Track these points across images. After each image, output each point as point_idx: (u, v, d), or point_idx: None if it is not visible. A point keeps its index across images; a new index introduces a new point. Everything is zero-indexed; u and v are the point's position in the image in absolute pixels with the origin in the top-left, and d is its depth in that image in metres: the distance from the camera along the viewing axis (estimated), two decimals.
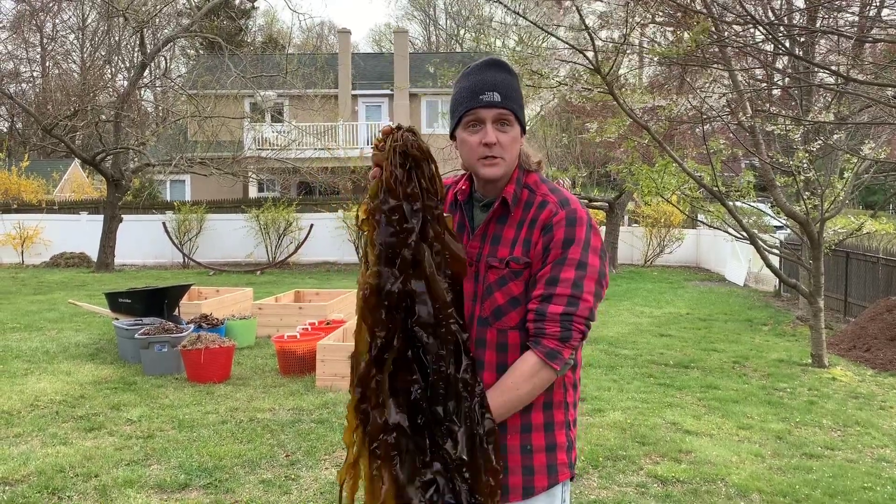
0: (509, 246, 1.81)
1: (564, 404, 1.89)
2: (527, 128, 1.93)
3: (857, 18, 8.44)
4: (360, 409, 1.56)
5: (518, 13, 6.50)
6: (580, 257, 1.76)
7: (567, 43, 6.75)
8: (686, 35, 6.27)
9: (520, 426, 1.83)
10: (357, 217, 1.67)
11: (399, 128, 1.60)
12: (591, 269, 1.77)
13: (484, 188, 1.89)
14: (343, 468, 1.59)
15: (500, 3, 6.79)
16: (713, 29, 6.38)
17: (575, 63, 7.23)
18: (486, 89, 1.78)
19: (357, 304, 1.60)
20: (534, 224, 1.80)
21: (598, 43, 6.61)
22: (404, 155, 1.57)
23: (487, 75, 1.81)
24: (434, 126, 27.31)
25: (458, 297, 1.69)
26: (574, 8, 6.79)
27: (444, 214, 1.65)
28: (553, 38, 7.34)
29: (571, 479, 1.92)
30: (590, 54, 6.33)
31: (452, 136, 1.88)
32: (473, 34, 43.12)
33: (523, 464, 1.83)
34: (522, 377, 1.73)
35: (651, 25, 8.33)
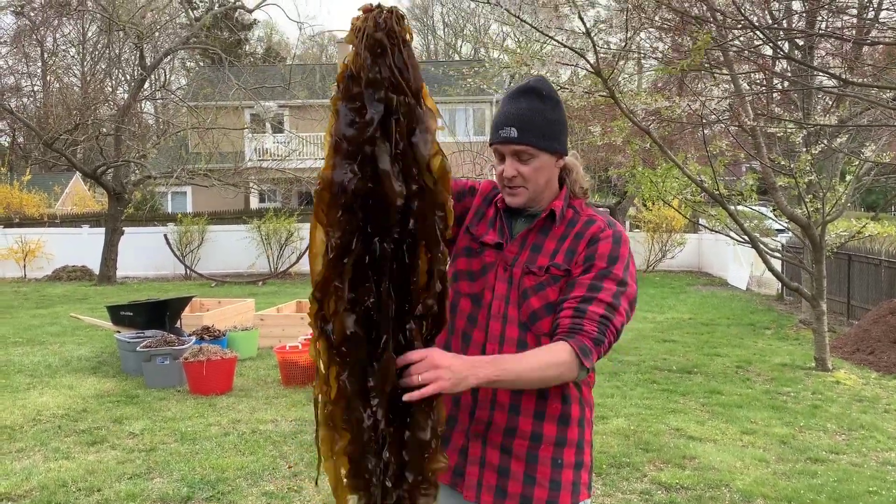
0: (549, 256, 1.86)
1: (590, 424, 1.95)
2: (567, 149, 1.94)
3: (855, 21, 8.45)
4: (319, 317, 1.46)
5: (518, 17, 6.50)
6: (623, 276, 1.81)
7: (566, 46, 6.75)
8: (689, 43, 6.27)
9: (555, 439, 1.84)
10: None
11: (379, 6, 1.42)
12: (630, 290, 1.83)
13: None
14: (317, 384, 1.51)
15: (500, 5, 6.79)
16: (714, 32, 6.38)
17: (576, 66, 7.24)
18: (506, 124, 1.84)
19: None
20: (579, 237, 1.87)
21: (599, 44, 6.62)
22: (373, 38, 1.38)
23: (514, 106, 1.85)
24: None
25: (429, 205, 1.51)
26: (572, 13, 6.81)
27: (426, 110, 1.46)
28: (553, 42, 7.34)
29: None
30: (590, 57, 6.33)
31: None
32: (471, 43, 43.29)
33: (552, 477, 1.83)
34: (554, 363, 1.70)
35: (650, 30, 8.35)
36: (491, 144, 1.89)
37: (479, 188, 2.05)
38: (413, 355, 1.52)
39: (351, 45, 1.41)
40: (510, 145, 1.84)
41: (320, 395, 1.51)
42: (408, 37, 1.42)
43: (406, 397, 1.50)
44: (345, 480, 1.54)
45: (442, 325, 1.57)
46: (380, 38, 1.38)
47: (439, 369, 1.52)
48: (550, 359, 1.70)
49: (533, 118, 1.83)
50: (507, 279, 1.87)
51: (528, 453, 1.83)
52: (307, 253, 1.48)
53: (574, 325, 1.74)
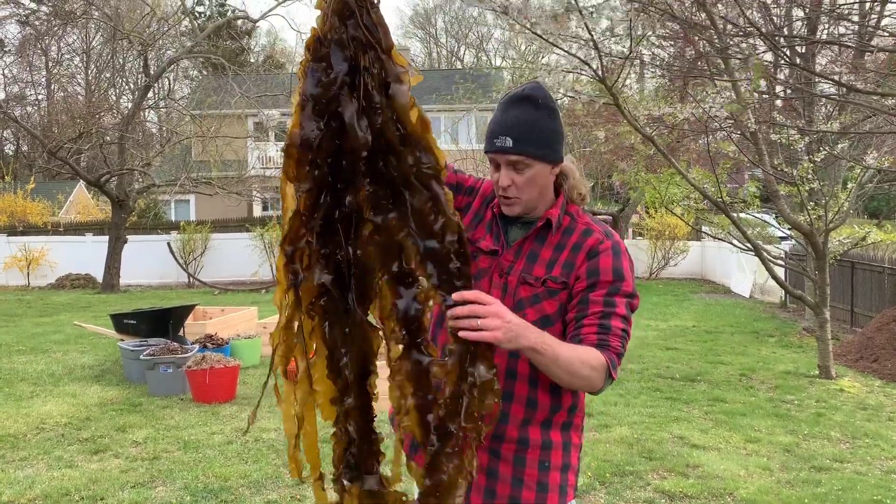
0: (545, 266, 1.86)
1: (580, 429, 1.96)
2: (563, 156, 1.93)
3: (857, 28, 8.46)
4: (290, 269, 1.47)
5: (524, 25, 6.51)
6: (632, 289, 1.85)
7: (570, 54, 6.77)
8: (691, 52, 6.29)
9: (541, 443, 1.87)
10: None
11: None
12: (635, 302, 1.86)
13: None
14: (275, 331, 1.51)
15: (506, 13, 6.79)
16: (715, 39, 6.40)
17: (580, 73, 7.26)
18: (501, 133, 1.83)
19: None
20: (577, 248, 1.86)
21: (603, 52, 6.63)
22: (340, 2, 1.41)
23: (509, 114, 1.84)
24: (437, 142, 27.40)
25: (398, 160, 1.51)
26: (574, 23, 6.83)
27: (398, 67, 1.47)
28: (557, 51, 7.37)
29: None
30: (594, 64, 6.35)
31: None
32: (473, 51, 43.41)
33: (539, 479, 1.86)
34: (590, 364, 1.72)
35: (652, 39, 8.38)
36: (486, 152, 1.89)
37: (480, 189, 2.03)
38: (483, 296, 1.52)
39: (320, 11, 1.45)
40: (505, 155, 1.83)
41: (279, 348, 1.52)
42: (376, 0, 1.45)
43: (462, 334, 1.50)
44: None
45: (467, 261, 1.54)
46: (347, 0, 1.41)
47: (501, 319, 1.53)
48: (588, 358, 1.72)
49: (528, 127, 1.82)
50: (502, 287, 1.87)
51: (516, 456, 1.86)
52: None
53: (601, 341, 1.76)
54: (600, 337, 1.76)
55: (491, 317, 1.52)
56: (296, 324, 1.50)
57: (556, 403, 1.87)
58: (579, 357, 1.70)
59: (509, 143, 1.81)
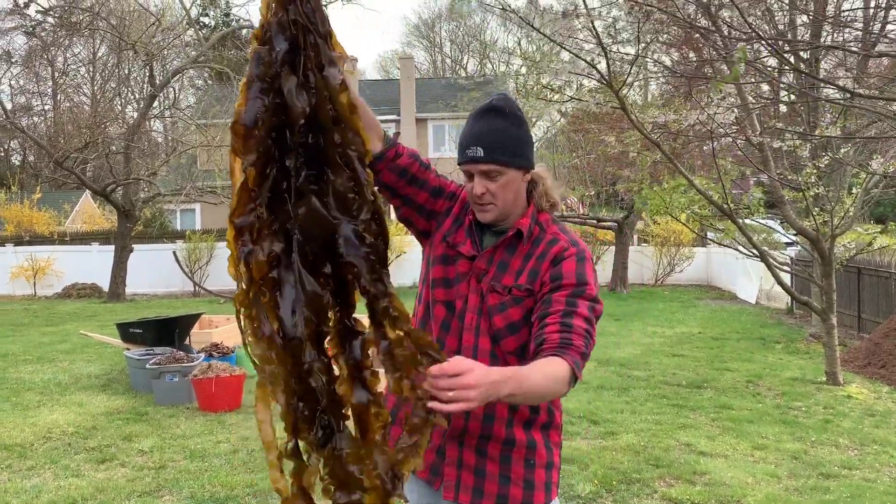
0: (514, 275, 1.92)
1: (560, 428, 2.05)
2: (533, 162, 1.99)
3: (860, 34, 8.46)
4: (239, 241, 1.51)
5: (533, 26, 6.53)
6: (595, 293, 1.89)
7: (577, 55, 6.79)
8: (695, 56, 6.31)
9: (526, 442, 1.94)
10: None
11: None
12: (599, 308, 1.89)
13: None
14: (237, 296, 1.53)
15: (515, 13, 6.80)
16: (720, 44, 6.41)
17: (588, 76, 7.28)
18: (472, 143, 1.90)
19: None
20: (543, 257, 1.92)
21: (610, 58, 6.64)
22: None
23: (478, 126, 1.91)
24: (441, 150, 27.47)
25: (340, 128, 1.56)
26: (580, 25, 6.84)
27: (337, 51, 1.55)
28: (564, 52, 7.37)
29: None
30: (601, 67, 6.36)
31: None
32: (477, 59, 43.49)
33: (525, 477, 1.93)
34: (558, 378, 1.72)
35: (656, 44, 8.39)
36: (459, 164, 1.94)
37: (461, 195, 2.06)
38: (453, 366, 1.51)
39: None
40: (477, 164, 1.89)
41: (243, 313, 1.54)
42: None
43: (431, 405, 1.50)
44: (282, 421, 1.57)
45: (385, 239, 1.55)
46: None
47: (471, 391, 1.52)
48: (555, 374, 1.73)
49: (497, 136, 1.89)
50: (478, 292, 1.94)
51: (502, 455, 1.92)
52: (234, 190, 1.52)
53: (564, 339, 1.78)
54: (563, 336, 1.78)
55: (464, 389, 1.50)
56: (252, 294, 1.53)
57: (536, 404, 1.93)
58: (547, 378, 1.71)
59: (480, 152, 1.88)
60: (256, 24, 1.55)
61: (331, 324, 1.54)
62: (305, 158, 1.52)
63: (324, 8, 1.53)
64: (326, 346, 1.55)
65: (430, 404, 1.50)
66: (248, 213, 1.51)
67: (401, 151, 1.95)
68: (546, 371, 1.72)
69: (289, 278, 1.53)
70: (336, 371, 1.55)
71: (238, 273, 1.52)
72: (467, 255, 1.96)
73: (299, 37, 1.49)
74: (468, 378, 1.52)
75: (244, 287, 1.52)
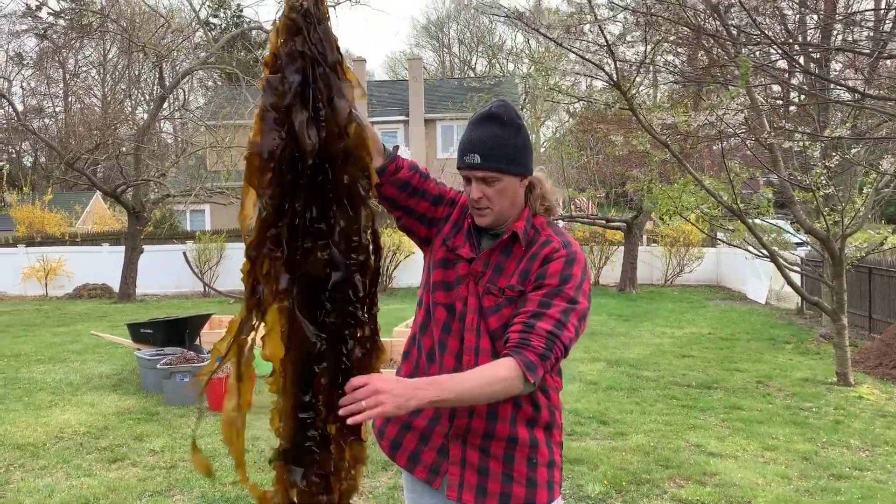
0: (509, 277, 1.96)
1: (561, 427, 2.07)
2: (534, 167, 2.04)
3: (871, 34, 8.41)
4: (251, 276, 1.53)
5: (540, 32, 6.54)
6: (574, 294, 1.90)
7: (585, 58, 6.79)
8: (700, 55, 6.31)
9: (529, 441, 1.97)
10: None
11: None
12: (580, 307, 1.91)
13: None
14: (234, 323, 1.62)
15: (521, 19, 6.82)
16: (729, 46, 6.40)
17: (595, 77, 7.28)
18: (469, 150, 1.95)
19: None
20: (534, 258, 1.96)
21: (618, 59, 6.64)
22: (289, 18, 1.51)
23: (476, 133, 1.95)
24: (450, 150, 27.48)
25: (352, 161, 1.59)
26: (584, 30, 6.86)
27: (345, 82, 1.56)
28: (573, 54, 7.37)
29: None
30: (609, 69, 6.36)
31: None
32: (486, 58, 43.46)
33: (528, 476, 1.96)
34: (498, 377, 1.78)
35: (665, 45, 8.37)
36: (458, 169, 1.99)
37: (460, 201, 2.11)
38: (355, 381, 1.61)
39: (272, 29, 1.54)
40: (474, 171, 1.94)
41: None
42: (325, 16, 1.53)
43: (350, 421, 1.58)
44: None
45: (376, 278, 1.62)
46: (294, 18, 1.50)
47: (381, 394, 1.60)
48: (494, 375, 1.78)
49: (495, 144, 1.93)
50: (477, 293, 1.98)
51: (506, 454, 1.95)
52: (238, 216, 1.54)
53: (521, 339, 1.82)
54: (521, 336, 1.83)
55: (371, 395, 1.59)
56: (251, 323, 1.60)
57: (536, 402, 1.97)
58: (484, 379, 1.77)
59: (478, 159, 1.93)
60: (264, 24, 1.56)
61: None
62: (314, 193, 1.54)
63: (333, 36, 1.53)
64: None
65: (350, 421, 1.58)
66: (264, 245, 1.52)
67: (401, 164, 2.00)
68: (485, 373, 1.78)
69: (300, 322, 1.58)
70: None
71: (250, 303, 1.56)
72: (466, 258, 2.01)
73: (308, 68, 1.50)
74: (376, 384, 1.60)
75: (243, 316, 1.59)
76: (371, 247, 1.59)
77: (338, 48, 1.54)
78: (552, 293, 1.88)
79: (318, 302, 1.58)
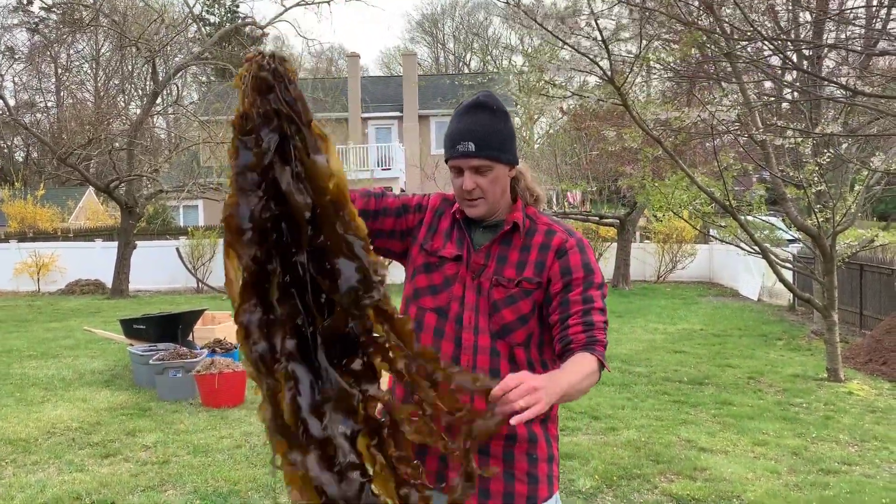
0: (515, 268, 1.95)
1: (557, 420, 2.06)
2: (522, 155, 2.03)
3: (863, 31, 8.45)
4: (249, 342, 1.46)
5: (536, 20, 6.52)
6: (600, 280, 1.96)
7: (579, 52, 6.78)
8: (687, 48, 6.33)
9: (527, 436, 1.95)
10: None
11: (260, 53, 1.50)
12: (605, 289, 1.98)
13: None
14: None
15: (518, 6, 6.79)
16: (722, 42, 6.41)
17: (590, 73, 7.28)
18: (462, 139, 1.92)
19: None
20: (545, 248, 1.96)
21: (612, 55, 6.65)
22: (259, 77, 1.47)
23: (466, 122, 1.93)
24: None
25: (333, 212, 1.56)
26: (580, 25, 6.85)
27: (319, 137, 1.54)
28: (566, 48, 7.38)
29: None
30: (604, 64, 6.37)
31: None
32: (479, 55, 43.43)
33: (529, 472, 1.94)
34: (589, 372, 1.81)
35: (658, 41, 8.37)
36: (448, 160, 1.96)
37: (429, 204, 2.09)
38: (510, 381, 1.55)
39: (238, 90, 1.50)
40: (469, 160, 1.91)
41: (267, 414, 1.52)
42: (292, 76, 1.51)
43: (515, 420, 1.52)
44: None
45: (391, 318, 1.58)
46: (265, 76, 1.46)
47: (538, 392, 1.55)
48: (589, 369, 1.82)
49: (487, 132, 1.91)
50: (476, 289, 1.95)
51: (505, 451, 1.93)
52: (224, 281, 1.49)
53: (590, 337, 1.86)
54: (587, 334, 1.86)
55: (528, 393, 1.54)
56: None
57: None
58: (583, 374, 1.80)
59: (472, 147, 1.90)
60: (259, 21, 1.54)
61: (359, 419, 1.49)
62: (309, 249, 1.51)
63: (302, 94, 1.51)
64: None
65: (514, 420, 1.52)
66: (254, 310, 1.46)
67: (352, 198, 1.98)
68: (582, 368, 1.81)
69: (305, 376, 1.49)
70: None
71: (252, 371, 1.49)
72: (451, 257, 1.98)
73: (283, 125, 1.47)
74: (530, 382, 1.56)
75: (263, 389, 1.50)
76: (382, 288, 1.54)
77: (307, 106, 1.52)
78: (586, 286, 1.92)
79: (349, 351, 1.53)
